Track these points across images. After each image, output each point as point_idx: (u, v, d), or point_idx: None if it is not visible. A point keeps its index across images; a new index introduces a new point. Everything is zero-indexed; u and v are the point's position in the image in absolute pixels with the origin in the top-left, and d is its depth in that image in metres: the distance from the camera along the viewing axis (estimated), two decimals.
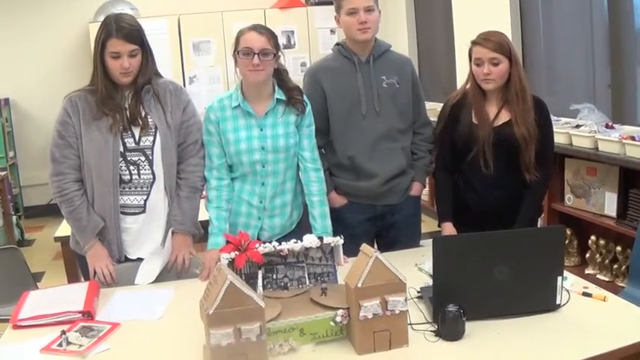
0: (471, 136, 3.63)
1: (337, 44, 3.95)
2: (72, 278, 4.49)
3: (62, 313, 2.97)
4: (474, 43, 3.62)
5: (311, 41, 9.39)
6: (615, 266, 5.06)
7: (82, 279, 3.75)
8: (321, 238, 2.84)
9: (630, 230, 4.60)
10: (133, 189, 3.46)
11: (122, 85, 3.42)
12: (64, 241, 4.32)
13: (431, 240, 2.84)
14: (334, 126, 3.85)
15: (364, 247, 2.63)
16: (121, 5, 9.11)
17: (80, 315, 2.98)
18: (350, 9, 3.69)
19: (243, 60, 3.43)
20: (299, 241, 2.82)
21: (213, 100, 3.61)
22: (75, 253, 3.67)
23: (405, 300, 2.55)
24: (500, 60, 3.53)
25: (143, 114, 3.44)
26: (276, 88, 3.56)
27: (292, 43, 9.34)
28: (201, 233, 3.71)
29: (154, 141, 3.45)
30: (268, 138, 3.54)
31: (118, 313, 3.07)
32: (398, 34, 9.33)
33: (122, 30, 3.34)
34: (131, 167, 3.43)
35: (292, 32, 9.35)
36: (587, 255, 5.32)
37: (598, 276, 5.18)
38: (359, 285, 2.49)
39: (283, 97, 3.55)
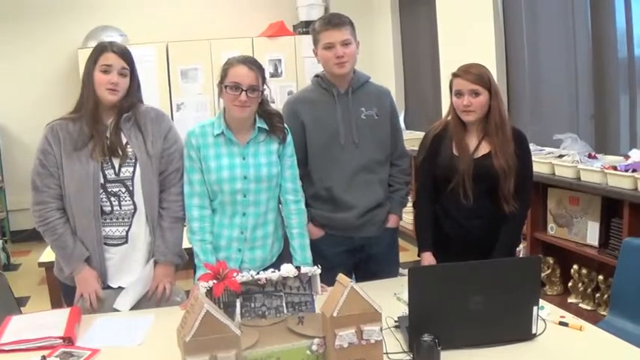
0: (451, 167, 3.65)
1: (316, 76, 3.95)
2: (56, 304, 4.50)
3: (43, 339, 2.98)
4: (455, 75, 3.66)
5: (298, 70, 9.39)
6: (597, 295, 5.09)
7: (65, 305, 3.75)
8: (298, 268, 2.84)
9: (612, 259, 4.61)
10: (114, 220, 3.46)
11: (105, 109, 3.43)
12: (48, 266, 4.33)
13: None
14: (312, 157, 3.85)
15: (340, 276, 2.64)
16: (111, 32, 9.16)
17: (61, 340, 2.99)
18: (326, 43, 3.72)
19: (229, 94, 3.41)
20: (276, 270, 2.83)
21: (195, 126, 3.59)
22: (58, 279, 3.67)
23: (381, 329, 2.56)
24: (480, 92, 3.57)
25: (124, 142, 3.45)
26: (257, 117, 3.55)
27: (279, 71, 9.37)
28: (184, 261, 3.71)
29: (133, 172, 3.45)
30: (251, 167, 3.52)
31: (98, 339, 3.08)
32: (384, 64, 9.40)
33: (117, 47, 3.44)
34: (112, 198, 3.43)
35: (279, 61, 9.37)
36: (570, 284, 5.36)
37: (580, 305, 5.21)
38: (334, 314, 2.50)
39: (265, 126, 3.56)
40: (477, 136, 3.69)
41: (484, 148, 3.66)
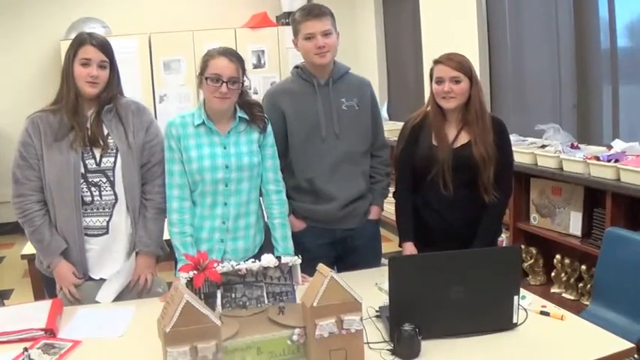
0: (430, 157, 3.65)
1: (296, 67, 3.94)
2: (39, 296, 4.49)
3: (25, 331, 2.98)
4: (436, 62, 3.66)
5: (281, 61, 9.36)
6: (580, 285, 5.11)
7: (47, 297, 3.74)
8: (279, 258, 2.84)
9: (595, 249, 4.63)
10: (95, 210, 3.45)
11: (86, 101, 3.43)
12: (30, 258, 4.31)
13: None
14: (294, 148, 3.83)
15: (320, 266, 2.65)
16: (93, 23, 9.12)
17: (42, 332, 2.99)
18: (307, 34, 3.71)
19: (210, 86, 3.40)
20: (257, 260, 2.82)
21: (175, 117, 3.58)
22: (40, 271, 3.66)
23: (361, 319, 2.57)
24: (461, 79, 3.57)
25: (105, 133, 3.45)
26: (237, 107, 3.55)
27: (262, 62, 9.33)
28: (166, 253, 3.71)
29: (114, 162, 3.44)
30: (232, 156, 3.51)
31: (80, 330, 3.08)
32: (367, 55, 9.40)
33: (96, 39, 3.42)
34: (92, 189, 3.43)
35: (262, 52, 9.34)
36: (553, 274, 5.38)
37: (564, 295, 5.24)
38: (314, 304, 2.51)
39: (245, 116, 3.55)
40: (456, 125, 3.69)
41: (463, 138, 3.66)
